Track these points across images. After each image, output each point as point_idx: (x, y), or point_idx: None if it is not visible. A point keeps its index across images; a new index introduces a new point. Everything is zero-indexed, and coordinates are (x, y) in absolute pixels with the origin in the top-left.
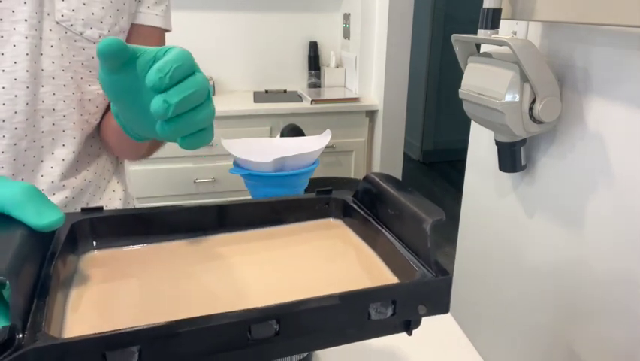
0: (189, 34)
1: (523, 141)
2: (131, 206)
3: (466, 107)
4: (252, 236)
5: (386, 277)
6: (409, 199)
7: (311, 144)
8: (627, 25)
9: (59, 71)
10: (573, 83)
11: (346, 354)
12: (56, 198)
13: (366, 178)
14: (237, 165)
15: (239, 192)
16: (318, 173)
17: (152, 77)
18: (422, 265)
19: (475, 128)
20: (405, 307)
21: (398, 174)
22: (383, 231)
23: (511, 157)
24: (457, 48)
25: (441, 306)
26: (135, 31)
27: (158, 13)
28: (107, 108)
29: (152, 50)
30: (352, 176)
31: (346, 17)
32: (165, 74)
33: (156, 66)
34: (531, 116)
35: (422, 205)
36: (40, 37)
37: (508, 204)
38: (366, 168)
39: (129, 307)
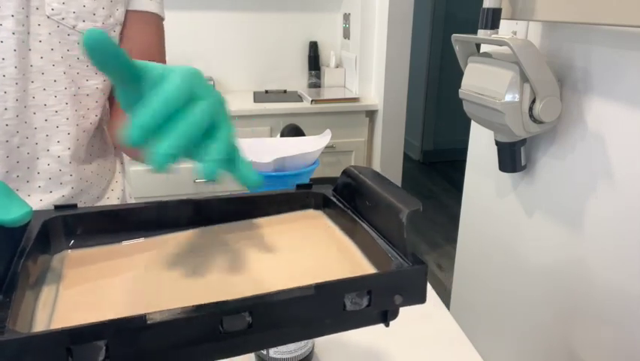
0: (190, 34)
1: (523, 141)
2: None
3: (466, 107)
4: (230, 228)
5: (363, 267)
6: (386, 190)
7: (311, 144)
8: (627, 25)
9: (49, 66)
10: (573, 83)
11: (345, 353)
12: (54, 196)
13: (345, 172)
14: None
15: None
16: (318, 173)
17: (134, 134)
18: (398, 256)
19: (475, 128)
20: (381, 298)
21: (398, 174)
22: (361, 222)
23: (511, 157)
24: (457, 48)
25: (417, 296)
26: (132, 17)
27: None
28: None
29: (157, 69)
30: None
31: (346, 17)
32: (147, 130)
33: (136, 122)
34: (531, 116)
35: (399, 196)
36: (28, 33)
37: (508, 204)
38: None
39: (102, 305)
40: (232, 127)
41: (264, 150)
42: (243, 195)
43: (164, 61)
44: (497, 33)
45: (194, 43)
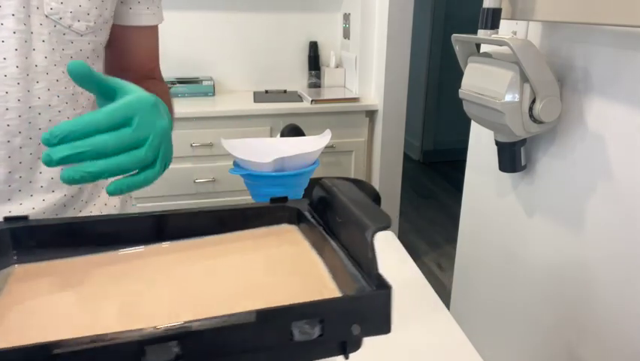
0: (190, 34)
1: (523, 141)
2: (129, 205)
3: (466, 107)
4: (195, 244)
5: (330, 291)
6: (356, 206)
7: (311, 144)
8: (627, 25)
9: (52, 66)
10: (573, 83)
11: None
12: (55, 196)
13: (319, 184)
14: (237, 165)
15: (239, 192)
16: (318, 173)
17: (44, 135)
18: (363, 278)
19: (475, 128)
20: (335, 327)
21: (398, 174)
22: (331, 240)
23: (511, 157)
24: (457, 48)
25: (380, 325)
26: (137, 32)
27: (156, 12)
28: None
29: (122, 92)
30: (352, 176)
31: (346, 17)
32: (55, 136)
33: (54, 129)
34: (531, 116)
35: (367, 212)
36: (31, 32)
37: (508, 204)
38: (367, 168)
39: (32, 325)
40: (144, 154)
41: (264, 150)
42: (212, 208)
43: (158, 56)
44: (497, 33)
45: (194, 44)
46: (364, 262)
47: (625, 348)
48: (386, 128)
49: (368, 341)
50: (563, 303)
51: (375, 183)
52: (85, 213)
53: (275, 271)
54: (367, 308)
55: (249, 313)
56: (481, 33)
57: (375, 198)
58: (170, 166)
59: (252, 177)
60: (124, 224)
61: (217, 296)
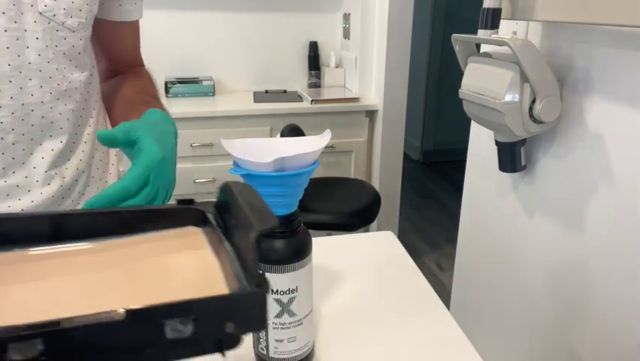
0: (190, 34)
1: (523, 141)
2: None
3: (466, 107)
4: (93, 247)
5: (220, 292)
6: (249, 207)
7: (311, 144)
8: (627, 25)
9: (45, 63)
10: (573, 83)
11: (345, 354)
12: (51, 189)
13: (222, 186)
14: (237, 165)
15: None
16: (318, 173)
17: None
18: (246, 278)
19: (475, 128)
20: (208, 325)
21: (398, 174)
22: (226, 242)
23: (511, 157)
24: (457, 48)
25: (254, 322)
26: (124, 27)
27: (140, 6)
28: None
29: (139, 144)
30: (352, 176)
31: (346, 17)
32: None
33: (95, 200)
34: (531, 116)
35: (256, 214)
36: (25, 30)
37: (508, 204)
38: (367, 168)
39: None
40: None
41: (263, 150)
42: (117, 210)
43: (139, 47)
44: (497, 33)
45: (194, 44)
46: (249, 263)
47: (625, 348)
48: (386, 129)
49: (368, 342)
50: (563, 303)
51: (375, 183)
52: (82, 204)
53: (170, 273)
54: (241, 307)
55: (117, 311)
56: (481, 33)
57: (375, 198)
58: None
59: (252, 177)
60: (13, 223)
61: (103, 298)
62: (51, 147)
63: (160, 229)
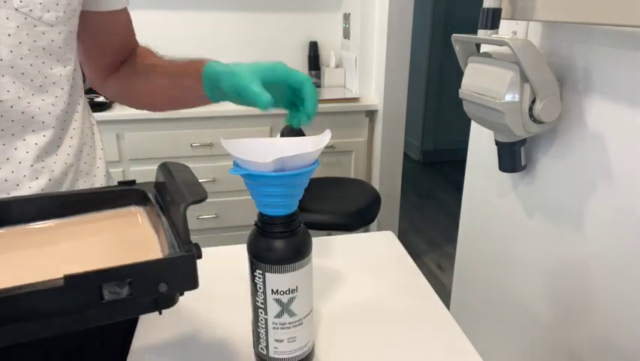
0: (190, 34)
1: (523, 141)
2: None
3: (466, 107)
4: (37, 230)
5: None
6: (183, 184)
7: (311, 144)
8: (627, 25)
9: (18, 60)
10: (573, 83)
11: (345, 353)
12: (39, 183)
13: (160, 167)
14: (237, 165)
15: (239, 192)
16: (318, 173)
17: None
18: (178, 246)
19: (475, 128)
20: (143, 286)
21: (398, 174)
22: (162, 217)
23: (511, 157)
24: (457, 48)
25: (186, 282)
26: (115, 15)
27: None
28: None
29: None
30: (352, 176)
31: (346, 17)
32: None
33: (307, 115)
34: (531, 116)
35: (188, 188)
36: None
37: (508, 204)
38: (366, 168)
39: None
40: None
41: (263, 150)
42: (55, 194)
43: (134, 33)
44: (497, 33)
45: (194, 44)
46: (181, 233)
47: (625, 348)
48: (386, 129)
49: (368, 342)
50: (563, 303)
51: (375, 183)
52: None
53: (112, 249)
54: (172, 269)
55: (57, 279)
56: (481, 33)
57: (375, 198)
58: None
59: (252, 177)
60: None
61: (50, 270)
62: (34, 141)
63: (105, 209)
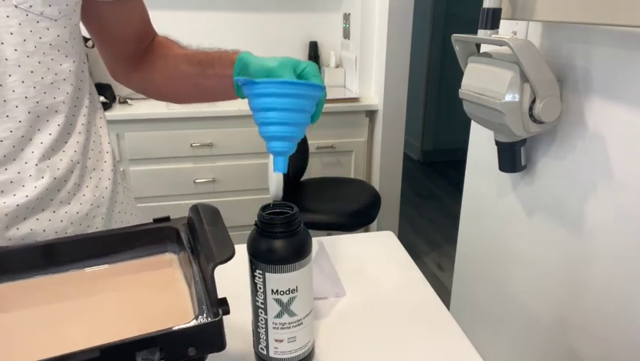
0: (190, 34)
1: (523, 141)
2: (121, 188)
3: (466, 107)
4: (78, 277)
5: (189, 318)
6: (212, 235)
7: None
8: (627, 25)
9: (24, 58)
10: (573, 83)
11: (345, 354)
12: (45, 182)
13: (191, 208)
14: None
15: (239, 192)
16: (318, 173)
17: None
18: (206, 305)
19: (475, 128)
20: (173, 352)
21: (398, 174)
22: (194, 266)
23: (511, 157)
24: (457, 48)
25: (213, 346)
26: (124, 5)
27: None
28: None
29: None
30: (352, 176)
31: (346, 17)
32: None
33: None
34: (531, 116)
35: (217, 243)
36: None
37: (508, 204)
38: (367, 168)
39: None
40: None
41: None
42: (92, 235)
43: (150, 21)
44: (497, 33)
45: (194, 43)
46: (210, 292)
47: (625, 348)
48: (386, 128)
49: (368, 342)
50: (563, 303)
51: (375, 183)
52: (78, 196)
53: (149, 304)
54: (200, 334)
55: (93, 349)
56: (481, 33)
57: (375, 198)
58: (170, 166)
59: (256, 85)
60: (10, 255)
61: (87, 330)
62: (40, 140)
63: (139, 247)
